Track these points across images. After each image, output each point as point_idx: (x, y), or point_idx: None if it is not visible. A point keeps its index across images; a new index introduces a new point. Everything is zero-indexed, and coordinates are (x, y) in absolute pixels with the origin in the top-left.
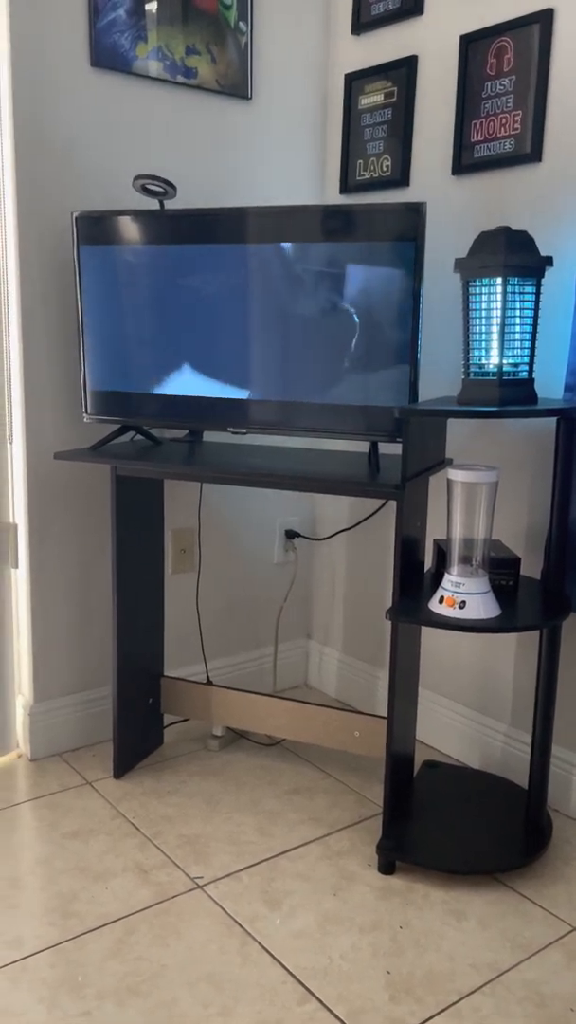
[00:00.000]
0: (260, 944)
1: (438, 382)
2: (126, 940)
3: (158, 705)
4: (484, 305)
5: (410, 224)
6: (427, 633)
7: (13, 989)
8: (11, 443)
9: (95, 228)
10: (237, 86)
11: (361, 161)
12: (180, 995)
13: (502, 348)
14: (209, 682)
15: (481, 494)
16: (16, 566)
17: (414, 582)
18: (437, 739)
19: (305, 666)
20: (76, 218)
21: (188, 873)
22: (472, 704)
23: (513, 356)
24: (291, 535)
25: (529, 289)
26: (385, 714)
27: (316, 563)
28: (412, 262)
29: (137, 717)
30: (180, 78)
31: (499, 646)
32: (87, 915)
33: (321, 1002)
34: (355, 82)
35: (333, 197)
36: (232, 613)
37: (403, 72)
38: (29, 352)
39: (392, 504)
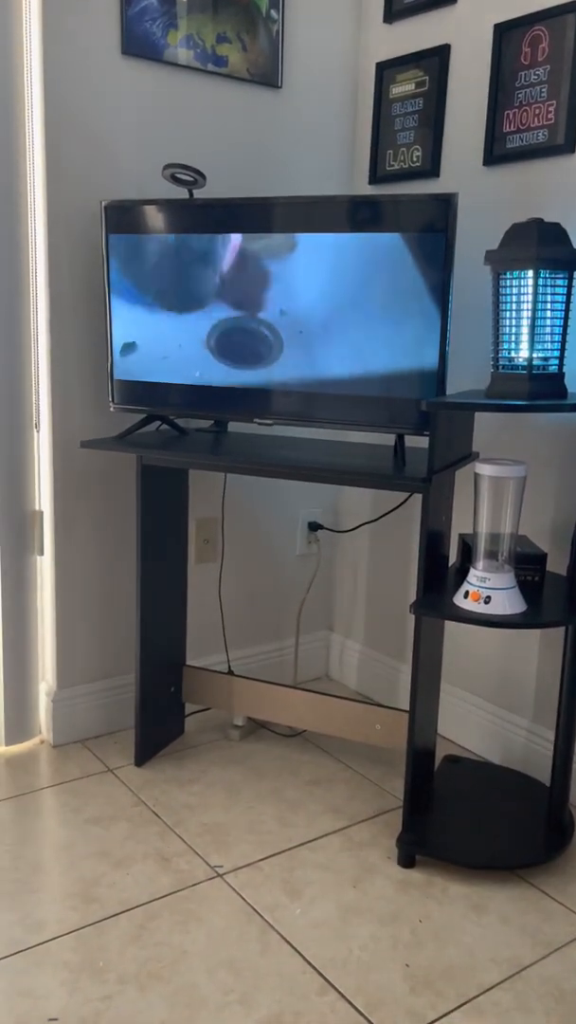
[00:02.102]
0: (279, 933)
1: (465, 375)
2: (147, 926)
3: (180, 694)
4: (515, 298)
5: (441, 215)
6: (450, 627)
7: (36, 972)
8: (38, 431)
9: (124, 217)
10: (267, 75)
11: (391, 151)
12: (200, 982)
13: (532, 341)
14: (231, 672)
15: (509, 489)
16: (41, 553)
17: (439, 576)
18: (458, 734)
19: (326, 658)
20: (105, 207)
21: (208, 861)
22: (494, 699)
23: (543, 350)
24: (314, 527)
25: (561, 282)
26: (407, 707)
27: (339, 555)
28: (442, 254)
29: (159, 706)
30: (210, 66)
31: (523, 642)
32: (108, 900)
33: (340, 993)
34: (386, 71)
35: (362, 187)
36: (254, 604)
37: (435, 61)
38: (56, 341)
39: (416, 498)
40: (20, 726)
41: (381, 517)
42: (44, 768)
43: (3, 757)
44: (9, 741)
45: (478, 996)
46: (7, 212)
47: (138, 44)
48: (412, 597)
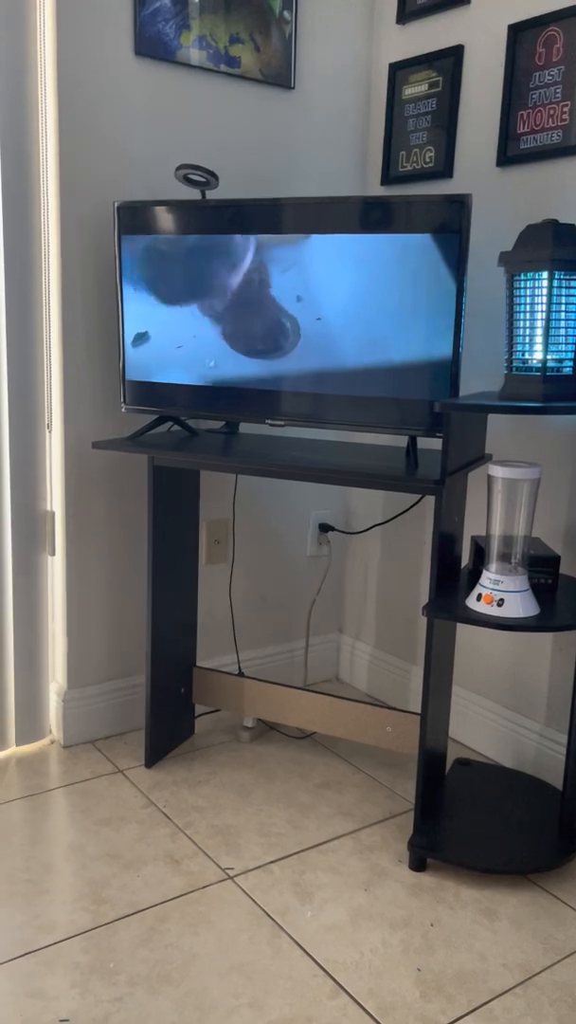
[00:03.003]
0: (291, 936)
1: (478, 376)
2: (157, 928)
3: (190, 695)
4: (529, 299)
5: (454, 216)
6: (461, 630)
7: (47, 973)
8: (50, 432)
9: (136, 217)
10: (280, 75)
11: (404, 152)
12: (211, 984)
13: (546, 343)
14: (241, 673)
15: (522, 491)
16: (53, 553)
17: (451, 578)
18: (469, 737)
19: (336, 660)
20: (117, 207)
21: (219, 863)
22: (506, 702)
23: (558, 351)
24: (325, 528)
25: (575, 283)
26: (417, 710)
27: (349, 557)
28: (456, 255)
29: (169, 706)
30: (223, 67)
31: (535, 645)
32: (119, 902)
33: (352, 997)
34: (399, 72)
35: (374, 188)
36: (264, 605)
37: (449, 62)
38: (69, 342)
39: (428, 500)
40: (31, 726)
41: (392, 519)
42: (54, 768)
43: (14, 757)
44: (20, 741)
45: (490, 1001)
46: (20, 213)
47: (151, 45)
48: (423, 599)
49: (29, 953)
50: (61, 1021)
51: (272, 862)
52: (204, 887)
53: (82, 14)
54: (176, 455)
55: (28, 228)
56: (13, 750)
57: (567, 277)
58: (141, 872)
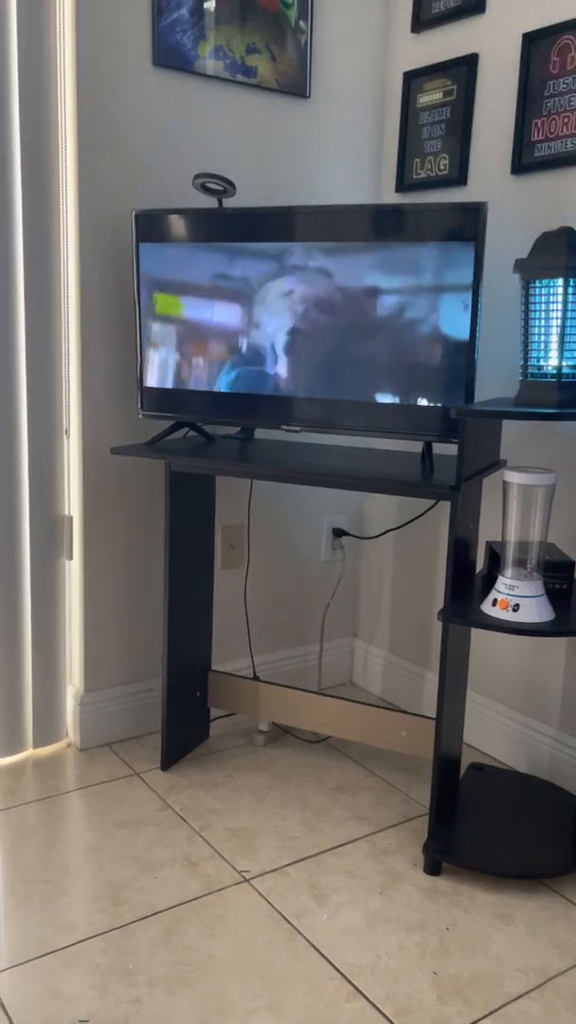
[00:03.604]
0: (307, 939)
1: (492, 382)
2: (175, 930)
3: (205, 699)
4: (544, 306)
5: (470, 224)
6: (476, 635)
7: (67, 974)
8: (68, 437)
9: (154, 225)
10: (296, 84)
11: (418, 160)
12: (229, 986)
13: (562, 350)
14: (256, 677)
15: (538, 496)
16: (70, 558)
17: (466, 584)
18: (483, 741)
19: (350, 664)
20: (135, 215)
21: (235, 866)
22: (520, 707)
23: (573, 358)
24: (339, 533)
25: None
26: (431, 714)
27: (363, 562)
28: (471, 262)
29: (185, 710)
30: (239, 77)
31: (550, 650)
32: (137, 904)
33: (368, 1000)
34: (414, 80)
35: (389, 195)
36: (279, 610)
37: (463, 70)
38: (87, 348)
39: (442, 505)
40: (48, 729)
41: (406, 524)
42: (71, 771)
43: (31, 760)
44: (37, 744)
45: (506, 1005)
46: (40, 221)
47: (169, 55)
48: (437, 604)
49: (49, 954)
50: (81, 1022)
51: (288, 865)
52: (221, 889)
53: (101, 25)
54: (193, 461)
55: (48, 236)
56: (30, 753)
57: None
58: (158, 874)
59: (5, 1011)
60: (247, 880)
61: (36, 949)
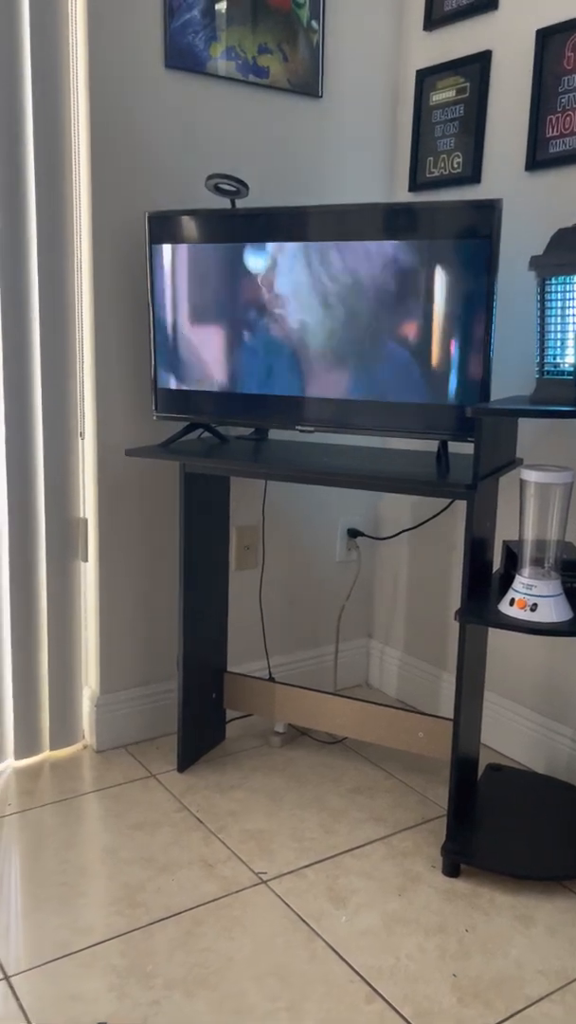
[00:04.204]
0: (325, 941)
1: (506, 380)
2: (193, 932)
3: (221, 700)
4: (560, 303)
5: (484, 221)
6: (493, 635)
7: (85, 976)
8: (83, 439)
9: (167, 227)
10: (308, 84)
11: (431, 158)
12: (247, 988)
13: None
14: (271, 679)
15: (555, 495)
16: (85, 560)
17: (482, 583)
18: (501, 742)
19: (366, 665)
20: (149, 217)
21: (252, 868)
22: (538, 708)
23: None
24: (353, 534)
25: None
26: (448, 715)
27: (378, 562)
28: (486, 260)
29: (201, 711)
30: (252, 77)
31: (568, 650)
32: (154, 905)
33: (388, 1002)
34: (427, 78)
35: (402, 194)
36: (294, 611)
37: (476, 68)
38: (101, 350)
39: (457, 504)
40: (64, 731)
41: (422, 524)
42: (87, 773)
43: (47, 762)
44: (54, 746)
45: (527, 1008)
46: (54, 224)
47: (181, 57)
48: (453, 604)
49: (67, 956)
50: None
51: (305, 867)
52: (238, 891)
53: (113, 28)
54: (207, 462)
55: (61, 238)
56: (47, 755)
57: None
58: (175, 876)
59: (24, 1013)
60: (264, 882)
61: (54, 951)
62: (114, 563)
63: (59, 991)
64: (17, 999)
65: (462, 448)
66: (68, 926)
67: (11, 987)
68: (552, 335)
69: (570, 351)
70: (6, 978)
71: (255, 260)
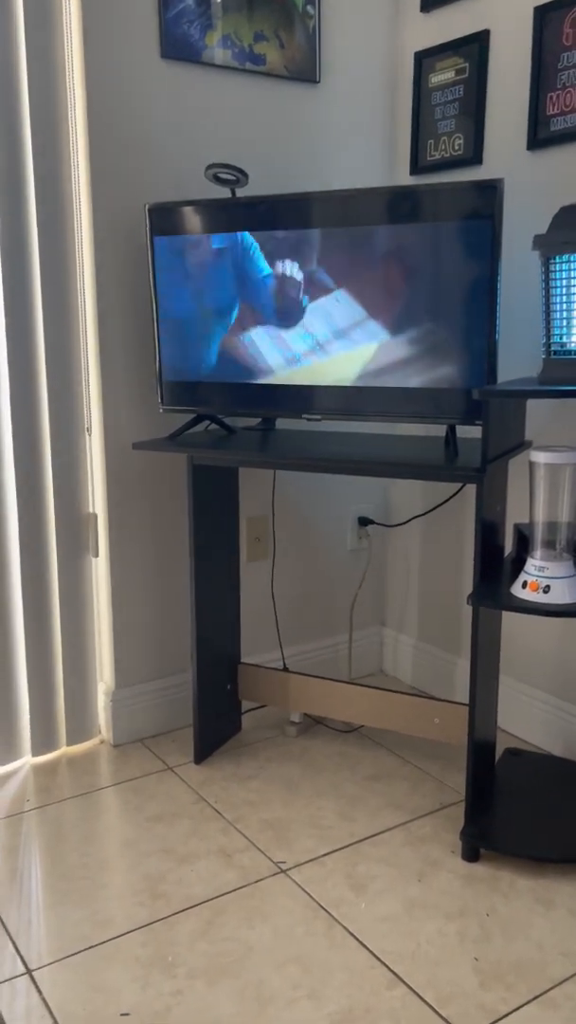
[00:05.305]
0: (346, 928)
1: (513, 362)
2: (214, 921)
3: (236, 691)
4: (565, 282)
5: (486, 202)
6: (507, 618)
7: (108, 967)
8: (90, 435)
9: (168, 218)
10: (305, 70)
11: (432, 140)
12: (269, 976)
13: None
14: (286, 669)
15: (566, 476)
16: (96, 555)
17: (494, 567)
18: (518, 726)
19: (380, 653)
20: (149, 209)
21: (271, 857)
22: (554, 691)
23: None
24: (364, 522)
25: None
26: (464, 701)
27: (390, 550)
28: (489, 241)
29: (216, 703)
30: (248, 65)
31: None
32: (174, 896)
33: (410, 987)
34: (425, 60)
35: (403, 178)
36: (306, 600)
37: (475, 47)
38: (105, 345)
39: (468, 489)
40: (81, 726)
41: (432, 510)
42: (105, 767)
43: (64, 757)
44: (70, 742)
45: (550, 990)
46: (54, 218)
47: (176, 47)
48: (465, 589)
49: (90, 948)
50: (122, 1015)
51: (324, 855)
52: (257, 881)
53: (108, 19)
54: (215, 453)
55: (62, 233)
56: (64, 750)
57: None
58: (195, 867)
59: (47, 1006)
60: (284, 871)
61: (77, 944)
62: (124, 557)
63: (82, 984)
64: (40, 993)
65: (471, 432)
66: (89, 919)
67: (34, 981)
68: (558, 314)
69: None
70: (29, 972)
71: (256, 248)
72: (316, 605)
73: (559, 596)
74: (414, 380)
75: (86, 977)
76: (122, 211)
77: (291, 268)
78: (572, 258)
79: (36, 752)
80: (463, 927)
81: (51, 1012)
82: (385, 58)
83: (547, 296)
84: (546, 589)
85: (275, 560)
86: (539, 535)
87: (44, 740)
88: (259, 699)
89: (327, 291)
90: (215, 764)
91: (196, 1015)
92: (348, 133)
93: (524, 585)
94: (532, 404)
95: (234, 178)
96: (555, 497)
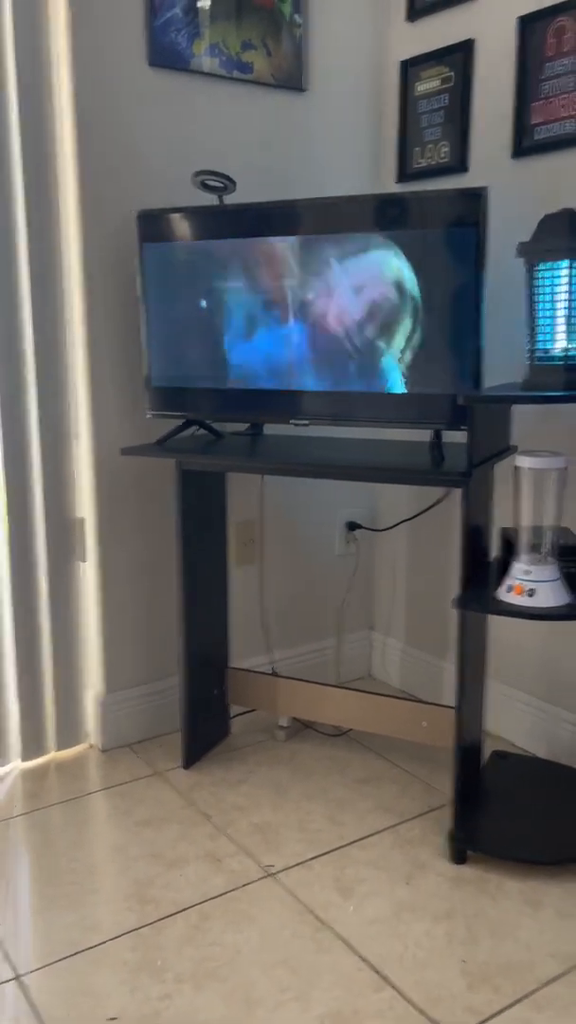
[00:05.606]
0: (334, 931)
1: (497, 368)
2: (202, 926)
3: (224, 696)
4: (549, 289)
5: (471, 210)
6: (493, 622)
7: (96, 972)
8: (77, 440)
9: (156, 225)
10: (292, 79)
11: (418, 148)
12: (257, 980)
13: (569, 332)
14: (274, 673)
15: (551, 481)
16: (85, 560)
17: (480, 571)
18: (505, 729)
19: (368, 657)
20: (138, 216)
21: (260, 861)
22: (540, 693)
23: None
24: (352, 527)
25: None
26: (452, 704)
27: (378, 554)
28: (474, 248)
29: (204, 708)
30: (236, 73)
31: (569, 635)
32: (163, 901)
33: (397, 990)
34: (411, 69)
35: (389, 186)
36: (295, 605)
37: (459, 57)
38: (93, 350)
39: (455, 493)
40: (69, 731)
41: (419, 514)
42: (93, 772)
43: (53, 762)
44: (59, 747)
45: (537, 991)
46: (42, 226)
47: (164, 55)
48: (452, 594)
49: (78, 953)
50: (110, 1019)
51: (312, 858)
52: (246, 885)
53: (95, 28)
54: (203, 458)
55: (50, 240)
56: (52, 755)
57: None
58: (183, 871)
59: (36, 1011)
60: (272, 875)
61: (65, 949)
62: (113, 562)
63: (70, 988)
64: (29, 998)
65: (457, 437)
66: (78, 924)
67: (22, 986)
68: (542, 321)
69: (560, 337)
70: (18, 977)
71: (244, 255)
72: (304, 609)
73: (544, 600)
74: (400, 386)
75: (74, 982)
76: (111, 218)
77: (278, 274)
78: (556, 265)
79: (25, 757)
80: (451, 929)
81: (39, 1017)
82: (371, 67)
83: (531, 303)
84: (531, 593)
85: (263, 564)
86: (524, 539)
87: (33, 745)
88: (248, 703)
89: (314, 295)
90: (204, 769)
91: (184, 1019)
92: (335, 141)
93: (510, 589)
94: (517, 409)
95: (222, 185)
96: (540, 502)
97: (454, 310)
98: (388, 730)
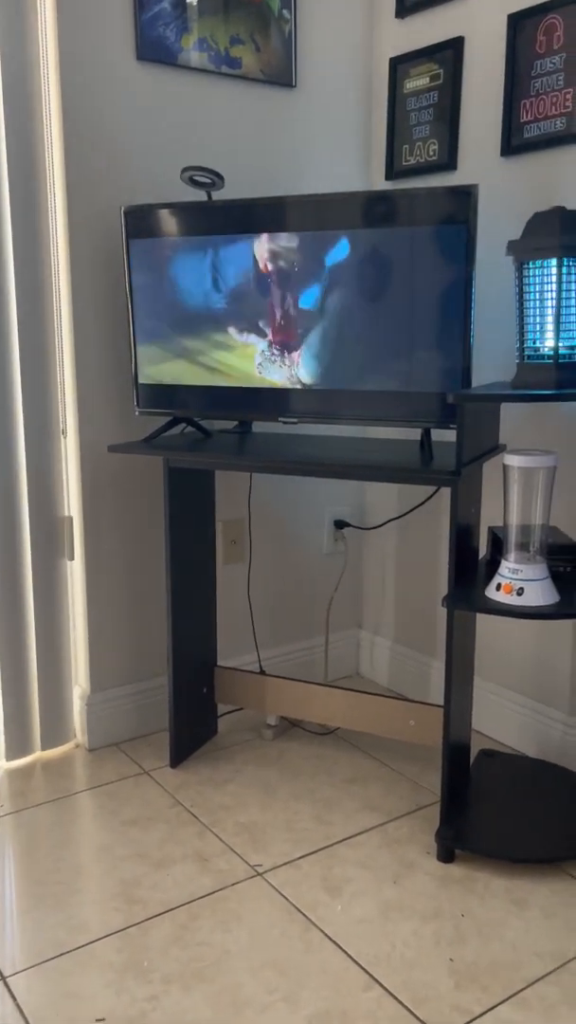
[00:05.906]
0: (322, 931)
1: (487, 366)
2: (189, 926)
3: (212, 695)
4: (538, 287)
5: (461, 207)
6: (482, 621)
7: (82, 973)
8: (65, 438)
9: (144, 221)
10: (281, 74)
11: (407, 146)
12: (244, 980)
13: (558, 331)
14: (262, 672)
15: (539, 479)
16: (71, 558)
17: (469, 570)
18: (493, 728)
19: (356, 656)
20: (125, 212)
21: (247, 860)
22: (528, 692)
23: (570, 339)
24: (340, 525)
25: None
26: (439, 702)
27: (366, 553)
28: (464, 246)
29: (192, 707)
30: (224, 68)
31: (556, 633)
32: (150, 901)
33: (385, 989)
34: (400, 66)
35: (379, 183)
36: (283, 603)
37: (449, 54)
38: (81, 347)
39: (443, 492)
40: (55, 731)
41: (408, 513)
42: (80, 772)
43: (39, 762)
44: (45, 746)
45: (524, 990)
46: (29, 221)
47: (152, 49)
48: (441, 592)
49: (64, 954)
50: (97, 1021)
51: (300, 858)
52: (233, 884)
53: (83, 21)
54: (191, 456)
55: (37, 235)
56: (39, 755)
57: None
58: (171, 871)
59: (22, 1012)
60: (260, 874)
61: (51, 950)
62: (100, 560)
63: (56, 990)
64: (14, 999)
65: (446, 435)
66: (64, 924)
67: (8, 987)
68: (531, 319)
69: (550, 335)
70: (3, 979)
71: (232, 252)
72: (292, 608)
73: (532, 598)
74: (390, 384)
75: (61, 983)
76: (97, 213)
77: (266, 271)
78: (545, 263)
79: (11, 756)
80: (438, 928)
81: (25, 1018)
82: (361, 63)
83: (521, 301)
84: (520, 591)
85: (251, 563)
86: (513, 538)
87: (19, 744)
88: (235, 702)
89: (302, 294)
90: (191, 768)
91: (172, 1020)
92: (324, 137)
93: (498, 587)
94: (506, 407)
95: (210, 181)
96: (529, 500)
97: (443, 308)
98: (376, 729)
